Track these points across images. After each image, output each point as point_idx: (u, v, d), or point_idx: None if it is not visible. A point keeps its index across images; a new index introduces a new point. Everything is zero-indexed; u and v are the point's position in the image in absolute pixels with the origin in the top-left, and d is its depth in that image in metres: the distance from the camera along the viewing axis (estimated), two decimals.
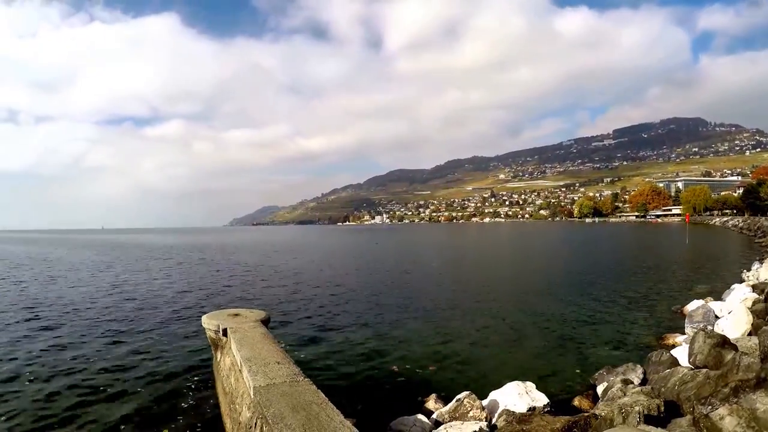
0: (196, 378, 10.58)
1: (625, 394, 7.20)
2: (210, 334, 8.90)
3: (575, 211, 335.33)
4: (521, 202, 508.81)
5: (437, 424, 7.33)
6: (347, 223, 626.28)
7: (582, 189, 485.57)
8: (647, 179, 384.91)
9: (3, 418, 8.57)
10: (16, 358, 12.28)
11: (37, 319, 17.38)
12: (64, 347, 13.40)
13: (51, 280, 29.37)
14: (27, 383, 10.45)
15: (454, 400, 7.69)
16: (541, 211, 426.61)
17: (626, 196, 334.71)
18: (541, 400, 7.72)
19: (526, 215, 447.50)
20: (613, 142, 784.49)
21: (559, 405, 8.23)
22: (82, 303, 20.70)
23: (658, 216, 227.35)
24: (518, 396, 7.71)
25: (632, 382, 8.31)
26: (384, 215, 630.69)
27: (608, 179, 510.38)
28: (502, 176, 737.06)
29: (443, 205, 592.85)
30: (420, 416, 7.44)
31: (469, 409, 7.34)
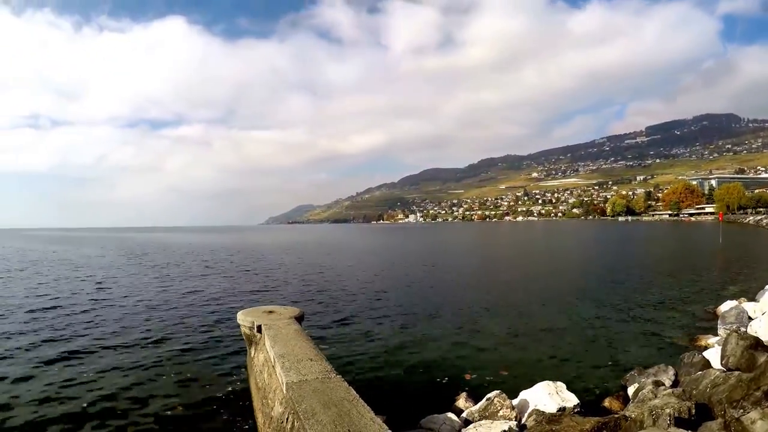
0: (229, 373, 10.74)
1: (655, 396, 7.06)
2: (244, 330, 8.99)
3: (608, 210, 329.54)
4: (554, 201, 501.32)
5: (467, 422, 7.28)
6: (381, 221, 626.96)
7: (615, 187, 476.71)
8: (680, 177, 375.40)
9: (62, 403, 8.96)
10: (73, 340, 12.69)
11: (93, 310, 18.02)
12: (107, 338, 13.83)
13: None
14: (80, 365, 11.11)
15: (485, 399, 7.63)
16: (574, 210, 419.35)
17: (659, 195, 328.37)
18: (571, 400, 7.60)
19: (559, 214, 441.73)
20: (646, 139, 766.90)
21: (589, 406, 8.09)
22: (127, 298, 21.36)
23: (691, 215, 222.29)
24: (548, 396, 7.60)
25: (663, 384, 8.14)
26: (417, 214, 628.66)
27: (641, 177, 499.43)
28: (534, 174, 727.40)
29: (476, 203, 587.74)
30: (450, 414, 7.41)
31: (499, 408, 7.28)
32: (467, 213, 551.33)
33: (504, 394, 7.55)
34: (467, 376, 10.46)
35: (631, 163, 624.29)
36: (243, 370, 10.46)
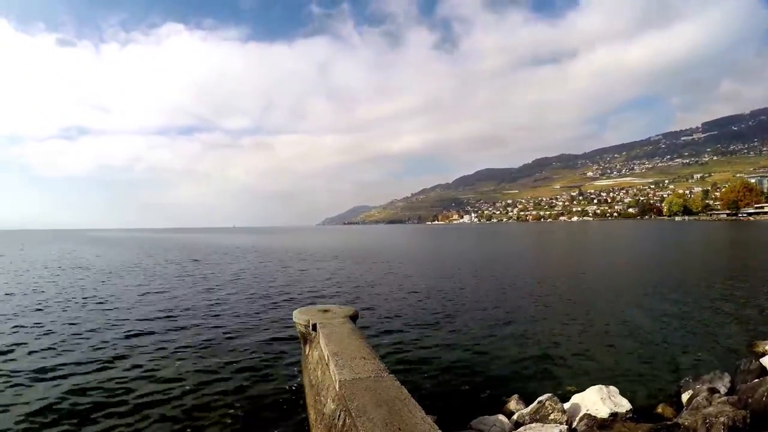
0: (284, 370, 10.97)
1: (710, 404, 6.82)
2: (300, 328, 9.14)
3: (664, 210, 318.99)
4: (609, 200, 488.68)
5: (517, 425, 7.22)
6: (436, 222, 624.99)
7: (671, 186, 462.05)
8: (738, 175, 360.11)
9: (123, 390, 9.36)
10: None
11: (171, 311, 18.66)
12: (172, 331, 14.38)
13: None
14: (147, 354, 11.55)
15: (536, 401, 7.54)
16: (630, 210, 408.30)
17: (716, 193, 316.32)
18: (623, 405, 7.42)
19: (615, 213, 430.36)
20: (702, 136, 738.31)
21: (641, 412, 7.86)
22: (189, 297, 22.17)
23: (750, 214, 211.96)
24: (601, 400, 7.44)
25: (718, 391, 7.85)
26: (472, 214, 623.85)
27: (698, 175, 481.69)
28: (590, 174, 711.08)
29: (531, 204, 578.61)
30: (501, 416, 7.36)
31: (550, 411, 7.18)
32: (522, 213, 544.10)
33: (555, 397, 7.44)
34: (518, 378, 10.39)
35: (687, 161, 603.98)
36: (297, 367, 10.65)
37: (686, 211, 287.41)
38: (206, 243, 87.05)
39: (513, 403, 8.20)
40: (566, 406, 7.61)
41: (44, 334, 14.74)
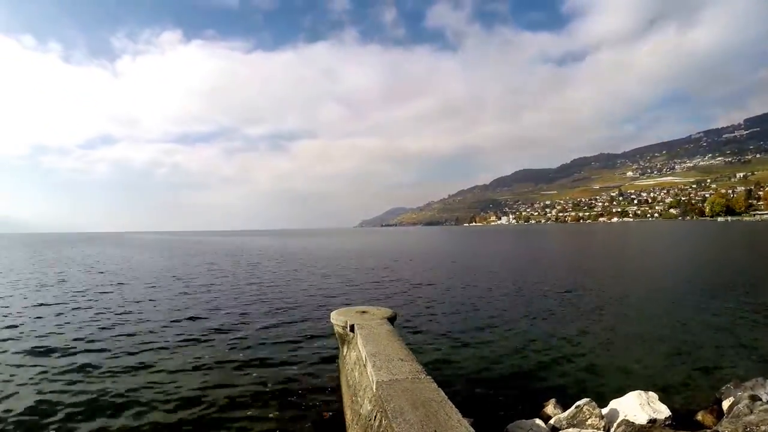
0: (322, 370, 11.08)
1: (751, 412, 6.60)
2: (338, 329, 9.20)
3: (706, 210, 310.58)
4: (650, 201, 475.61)
5: (554, 429, 7.14)
6: (473, 224, 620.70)
7: (713, 185, 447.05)
8: None
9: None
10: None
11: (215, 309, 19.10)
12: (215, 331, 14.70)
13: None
14: (192, 351, 11.77)
15: (573, 406, 7.41)
16: (671, 210, 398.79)
17: (761, 193, 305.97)
18: (662, 412, 7.22)
19: (656, 214, 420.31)
20: (745, 132, 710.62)
21: (681, 419, 7.66)
22: (230, 297, 22.59)
23: None
24: (639, 406, 7.26)
25: (760, 399, 7.58)
26: (510, 216, 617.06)
27: (740, 174, 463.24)
28: (629, 174, 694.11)
29: (570, 204, 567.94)
30: (538, 421, 7.26)
31: (587, 416, 7.06)
32: (560, 215, 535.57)
33: (593, 402, 7.31)
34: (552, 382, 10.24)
35: (729, 159, 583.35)
36: (335, 367, 10.71)
37: (729, 211, 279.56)
38: (258, 246, 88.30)
39: (550, 408, 8.08)
40: (604, 411, 7.46)
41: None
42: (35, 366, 11.79)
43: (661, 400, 7.61)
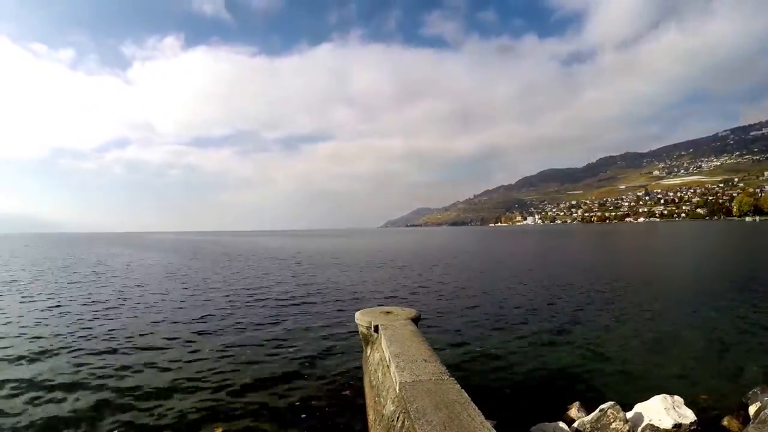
0: (345, 370, 11.11)
1: None
2: (362, 329, 9.21)
3: (734, 209, 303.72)
4: (676, 200, 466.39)
5: None
6: (498, 224, 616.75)
7: (741, 184, 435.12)
8: None
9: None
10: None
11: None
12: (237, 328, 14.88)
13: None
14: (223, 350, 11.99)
15: (598, 409, 7.30)
16: (698, 210, 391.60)
17: None
18: (688, 417, 7.08)
19: (682, 214, 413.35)
20: None
21: (706, 424, 7.50)
22: (255, 295, 22.92)
23: None
24: (664, 411, 7.13)
25: None
26: (536, 216, 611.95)
27: None
28: (656, 173, 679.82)
29: (596, 204, 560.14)
30: (561, 424, 7.18)
31: (611, 420, 6.95)
32: (586, 215, 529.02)
33: (618, 406, 7.19)
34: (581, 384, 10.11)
35: (758, 157, 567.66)
36: (358, 368, 10.73)
37: (757, 210, 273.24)
38: (276, 246, 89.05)
39: (574, 411, 7.99)
40: (629, 415, 7.34)
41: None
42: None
43: (687, 404, 7.46)
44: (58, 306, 20.58)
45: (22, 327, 16.43)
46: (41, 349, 13.38)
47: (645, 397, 7.85)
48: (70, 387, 10.22)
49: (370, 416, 7.28)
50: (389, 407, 5.82)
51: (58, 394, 9.78)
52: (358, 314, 9.59)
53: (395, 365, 6.19)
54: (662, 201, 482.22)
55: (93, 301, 21.69)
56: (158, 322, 16.97)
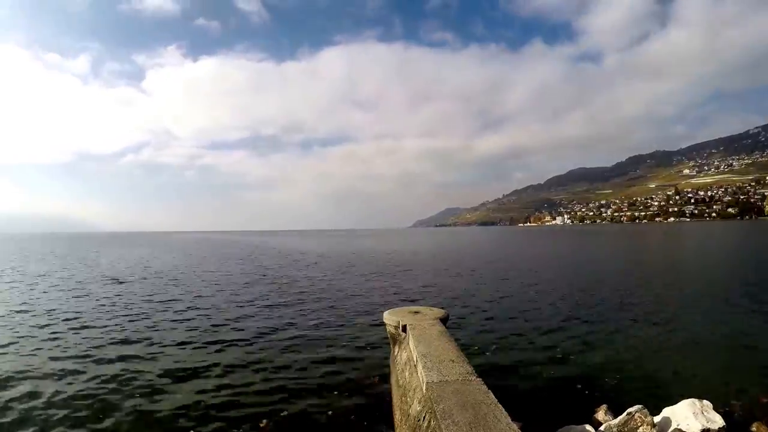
0: (372, 369, 11.17)
1: None
2: (390, 329, 9.22)
3: (766, 209, 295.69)
4: (707, 200, 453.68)
5: None
6: (528, 224, 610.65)
7: None
8: None
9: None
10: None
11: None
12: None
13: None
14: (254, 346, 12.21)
15: (625, 413, 7.17)
16: (729, 209, 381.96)
17: None
18: (716, 422, 6.90)
19: (713, 214, 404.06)
20: None
21: (735, 429, 7.34)
22: (285, 294, 23.18)
23: None
24: (693, 415, 6.97)
25: None
26: (565, 216, 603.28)
27: None
28: (686, 171, 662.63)
29: (625, 204, 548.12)
30: (588, 427, 7.09)
31: (639, 424, 6.83)
32: (615, 214, 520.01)
33: (645, 410, 7.05)
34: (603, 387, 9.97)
35: None
36: (385, 366, 10.75)
37: None
38: (302, 247, 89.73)
39: (601, 414, 7.88)
40: (656, 419, 7.20)
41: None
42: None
43: (716, 409, 7.28)
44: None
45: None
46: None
47: (673, 401, 7.69)
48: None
49: (397, 416, 7.29)
50: (415, 407, 5.82)
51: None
52: (386, 314, 9.60)
53: (422, 365, 6.19)
54: (692, 200, 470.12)
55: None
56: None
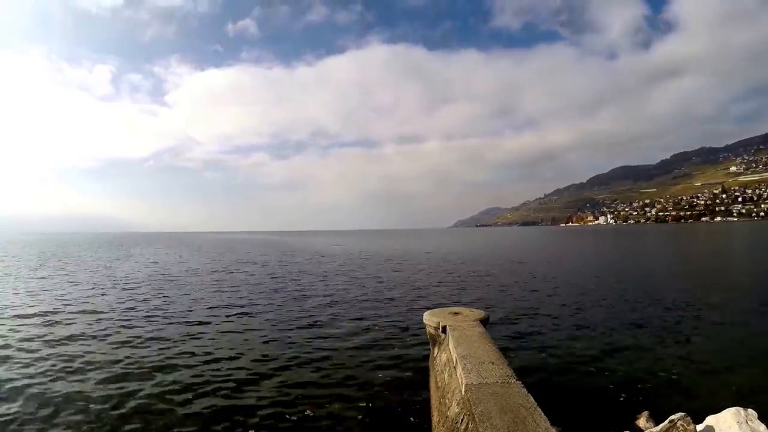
0: (411, 369, 11.21)
1: None
2: (430, 330, 9.18)
3: None
4: (755, 198, 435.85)
5: None
6: (570, 224, 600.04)
7: None
8: None
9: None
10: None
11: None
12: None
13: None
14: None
15: (667, 420, 6.94)
16: None
17: None
18: (761, 431, 6.69)
19: (761, 213, 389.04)
20: None
21: None
22: (328, 293, 23.39)
23: None
24: (737, 424, 6.68)
25: None
26: (608, 215, 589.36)
27: None
28: (733, 168, 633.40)
29: (670, 203, 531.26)
30: None
31: None
32: (660, 214, 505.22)
33: (688, 417, 6.82)
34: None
35: None
36: (425, 367, 10.73)
37: None
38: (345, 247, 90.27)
39: (642, 420, 7.69)
40: (699, 427, 6.96)
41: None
42: None
43: (761, 418, 7.03)
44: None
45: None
46: None
47: (717, 409, 7.41)
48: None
49: (435, 417, 7.27)
50: (454, 409, 5.79)
51: None
52: (426, 314, 9.57)
53: (462, 367, 6.12)
54: (740, 199, 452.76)
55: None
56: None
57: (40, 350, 13.37)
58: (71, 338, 14.80)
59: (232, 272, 35.88)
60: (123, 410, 8.97)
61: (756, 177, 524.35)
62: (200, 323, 16.85)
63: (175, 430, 8.20)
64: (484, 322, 9.09)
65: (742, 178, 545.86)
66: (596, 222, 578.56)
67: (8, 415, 8.69)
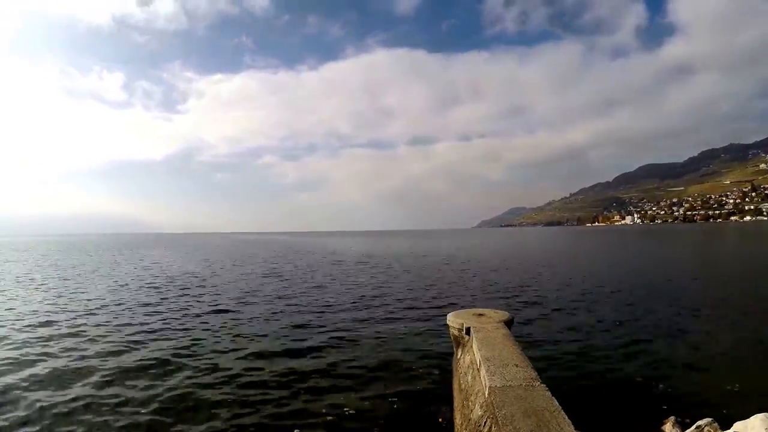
0: (434, 371, 11.18)
1: None
2: (453, 331, 9.19)
3: None
4: None
5: None
6: (596, 224, 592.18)
7: None
8: None
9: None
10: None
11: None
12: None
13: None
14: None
15: (694, 426, 6.85)
16: None
17: None
18: None
19: None
20: None
21: None
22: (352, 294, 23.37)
23: None
24: (765, 430, 6.57)
25: None
26: (635, 215, 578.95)
27: None
28: (763, 166, 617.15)
29: (698, 202, 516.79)
30: None
31: None
32: (688, 213, 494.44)
33: (716, 423, 6.71)
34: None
35: None
36: (448, 369, 10.73)
37: None
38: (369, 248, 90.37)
39: (669, 426, 7.56)
40: None
41: None
42: None
43: None
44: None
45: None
46: None
47: (745, 415, 7.26)
48: None
49: (457, 420, 7.26)
50: (477, 411, 5.78)
51: None
52: (450, 316, 9.57)
53: (485, 369, 6.12)
54: None
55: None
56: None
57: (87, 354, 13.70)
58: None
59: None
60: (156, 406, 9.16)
61: None
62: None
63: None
64: (509, 323, 9.07)
65: None
66: (623, 222, 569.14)
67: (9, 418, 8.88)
